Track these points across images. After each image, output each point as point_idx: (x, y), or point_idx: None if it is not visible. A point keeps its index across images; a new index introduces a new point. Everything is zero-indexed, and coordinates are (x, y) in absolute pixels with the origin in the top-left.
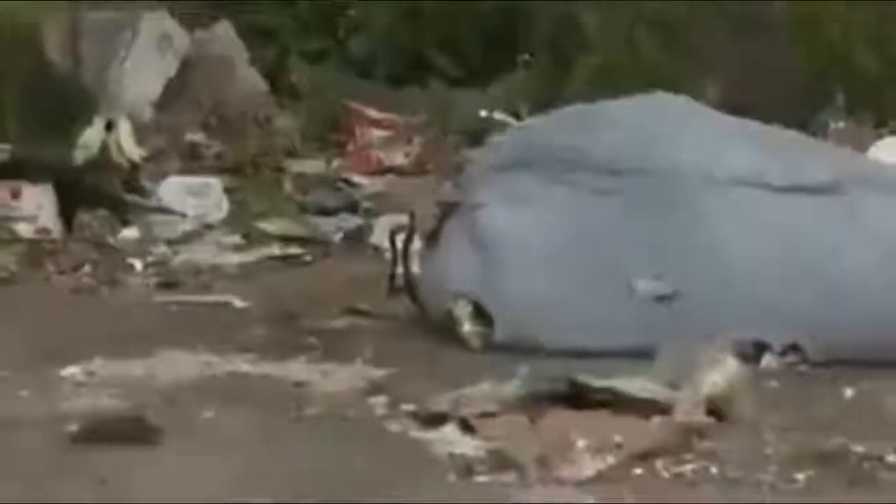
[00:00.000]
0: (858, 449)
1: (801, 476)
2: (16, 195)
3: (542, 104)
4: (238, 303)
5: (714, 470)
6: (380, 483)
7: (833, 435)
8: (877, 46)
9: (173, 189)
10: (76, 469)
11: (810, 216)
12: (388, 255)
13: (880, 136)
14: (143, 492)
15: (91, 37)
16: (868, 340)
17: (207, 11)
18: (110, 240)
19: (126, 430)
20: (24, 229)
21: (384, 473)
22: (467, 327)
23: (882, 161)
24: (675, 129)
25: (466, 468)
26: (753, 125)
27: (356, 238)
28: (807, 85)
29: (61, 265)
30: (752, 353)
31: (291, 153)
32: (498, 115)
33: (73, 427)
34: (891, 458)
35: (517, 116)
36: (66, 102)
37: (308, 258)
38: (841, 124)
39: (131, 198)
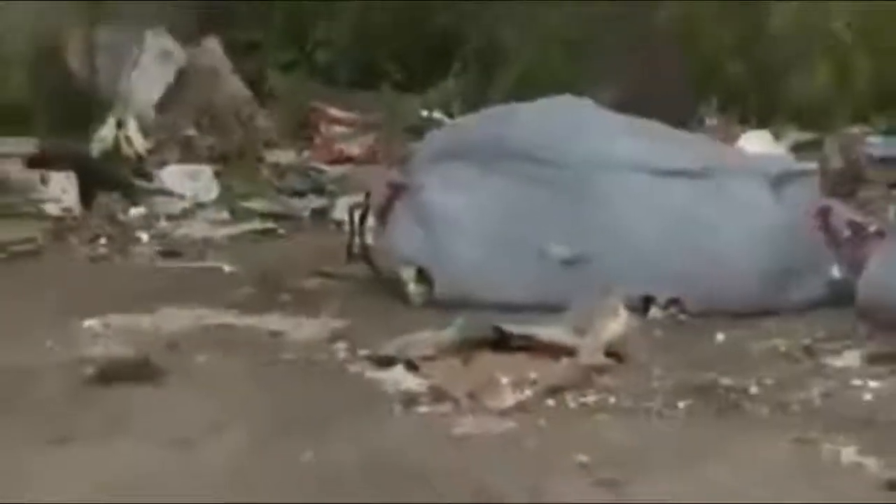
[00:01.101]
0: (727, 382)
1: (681, 405)
2: (44, 180)
3: (472, 105)
4: (226, 267)
5: (612, 400)
6: (340, 413)
7: (707, 372)
8: (744, 57)
9: (173, 175)
10: (94, 403)
11: (687, 195)
12: (347, 228)
13: (745, 131)
14: (148, 421)
15: (105, 51)
16: (733, 296)
17: (198, 30)
18: (121, 216)
19: (135, 372)
20: (50, 208)
21: (343, 405)
22: (412, 287)
23: (745, 150)
24: (579, 124)
25: (411, 401)
26: (640, 121)
27: (322, 215)
28: (691, 89)
29: (81, 238)
30: (641, 306)
31: (269, 145)
32: (435, 115)
33: (91, 370)
34: (753, 390)
35: (451, 115)
36: (84, 105)
37: (282, 231)
38: (714, 121)
39: (138, 182)
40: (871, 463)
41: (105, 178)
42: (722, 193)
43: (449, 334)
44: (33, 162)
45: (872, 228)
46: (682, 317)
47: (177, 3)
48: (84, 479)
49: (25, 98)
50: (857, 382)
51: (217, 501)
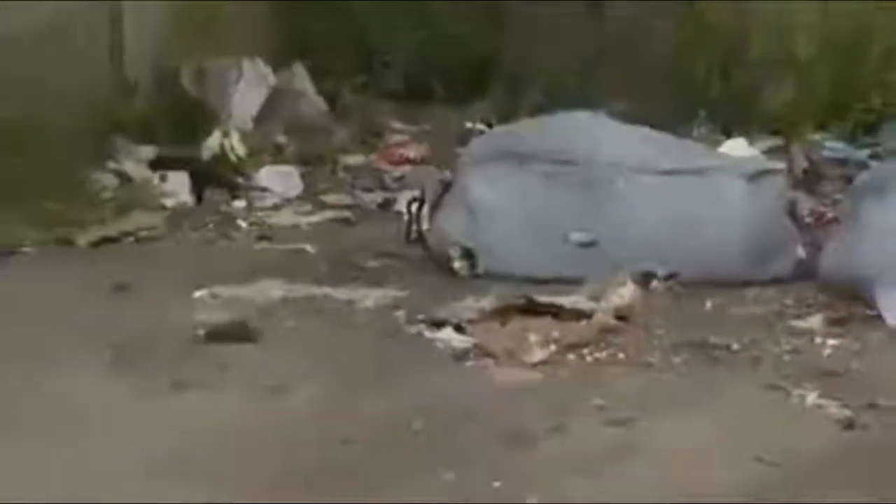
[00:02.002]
0: (714, 341)
1: (677, 359)
2: (163, 179)
3: (505, 118)
4: (309, 249)
5: (621, 355)
6: (402, 366)
7: (697, 332)
8: (725, 79)
9: (266, 175)
10: (204, 357)
11: (681, 190)
12: (405, 217)
13: (725, 139)
14: (247, 373)
15: (213, 76)
16: (718, 271)
17: (288, 58)
18: (225, 208)
19: (236, 333)
20: (168, 202)
21: (404, 360)
22: (458, 264)
23: (727, 154)
24: (595, 133)
25: (459, 356)
26: (643, 130)
27: (385, 207)
28: (685, 104)
29: (193, 225)
30: (644, 279)
31: (343, 151)
32: (477, 125)
33: (201, 331)
34: (734, 346)
35: (490, 126)
36: (196, 119)
37: (354, 220)
38: (702, 130)
39: (239, 181)
40: (830, 404)
41: (212, 178)
42: (708, 188)
43: (489, 302)
44: (155, 165)
45: (830, 216)
46: (678, 288)
47: (270, 36)
48: (198, 418)
49: (149, 114)
50: (818, 341)
51: (302, 437)
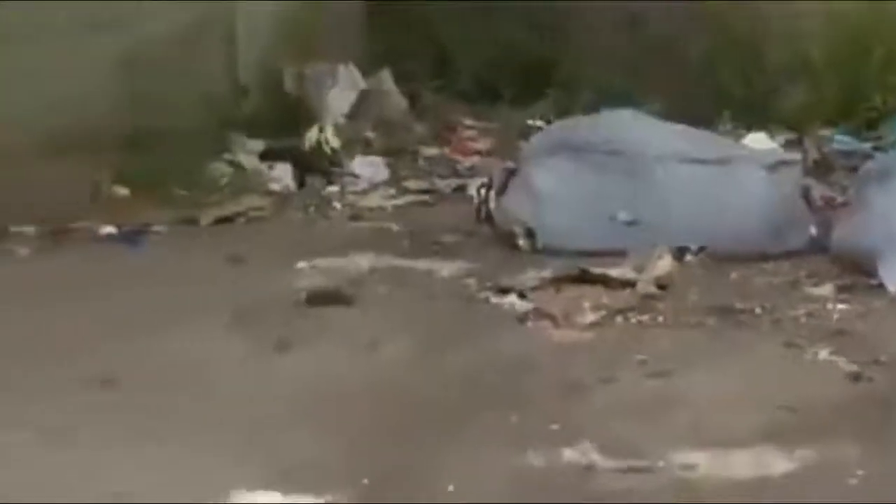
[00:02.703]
0: (739, 306)
1: (709, 321)
2: (271, 168)
3: (561, 116)
4: (394, 227)
5: (660, 318)
6: (474, 327)
7: (725, 298)
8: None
9: (357, 164)
10: (306, 318)
11: (711, 177)
12: (476, 200)
13: (748, 133)
14: (345, 330)
15: (312, 79)
16: (742, 246)
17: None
18: (323, 192)
19: (332, 298)
20: (275, 187)
21: (476, 322)
22: (521, 240)
23: (749, 146)
24: (637, 128)
25: (521, 318)
26: (677, 126)
27: (459, 191)
28: (712, 103)
29: (296, 207)
30: (679, 253)
31: (422, 144)
32: (537, 122)
33: (302, 296)
34: (757, 311)
35: (549, 122)
36: (297, 116)
37: (432, 202)
38: (728, 126)
39: (334, 169)
40: (840, 360)
41: (311, 166)
42: (734, 176)
43: (547, 272)
44: (263, 156)
45: (839, 200)
46: (708, 261)
47: (362, 45)
48: (302, 371)
49: (258, 113)
50: (829, 306)
51: (394, 386)
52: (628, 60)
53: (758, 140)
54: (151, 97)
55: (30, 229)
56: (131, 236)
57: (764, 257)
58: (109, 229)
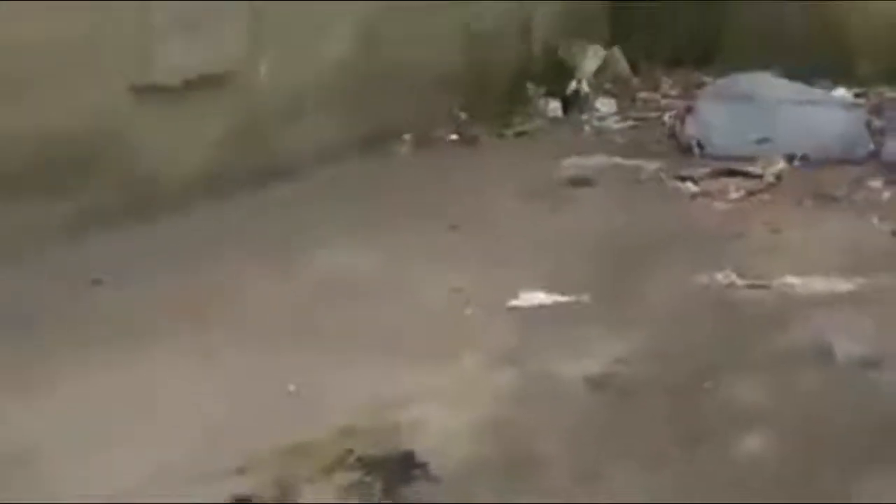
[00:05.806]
0: (826, 192)
1: (807, 202)
2: (547, 103)
3: (723, 75)
4: (619, 140)
5: (777, 198)
6: (661, 201)
7: (817, 187)
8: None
9: (599, 102)
10: (568, 193)
11: (812, 113)
12: (667, 125)
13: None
14: (591, 201)
15: (573, 51)
16: (830, 155)
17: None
18: (578, 119)
19: (583, 181)
20: (550, 115)
21: (662, 198)
22: (695, 150)
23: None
24: (768, 83)
25: (693, 196)
26: (792, 83)
27: (659, 119)
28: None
29: (562, 128)
30: (789, 159)
31: (637, 91)
32: (706, 79)
33: (565, 179)
34: (838, 194)
35: (714, 80)
36: (565, 73)
37: (642, 126)
38: (822, 83)
39: (586, 105)
40: (886, 225)
41: (572, 103)
42: (825, 112)
43: (709, 168)
44: (544, 95)
45: (889, 128)
46: (808, 163)
47: (603, 28)
48: (563, 227)
49: (544, 70)
50: (884, 194)
51: (612, 234)
52: (764, 38)
53: (840, 92)
54: (489, 59)
55: (407, 136)
56: (470, 142)
57: (841, 162)
58: (453, 137)
